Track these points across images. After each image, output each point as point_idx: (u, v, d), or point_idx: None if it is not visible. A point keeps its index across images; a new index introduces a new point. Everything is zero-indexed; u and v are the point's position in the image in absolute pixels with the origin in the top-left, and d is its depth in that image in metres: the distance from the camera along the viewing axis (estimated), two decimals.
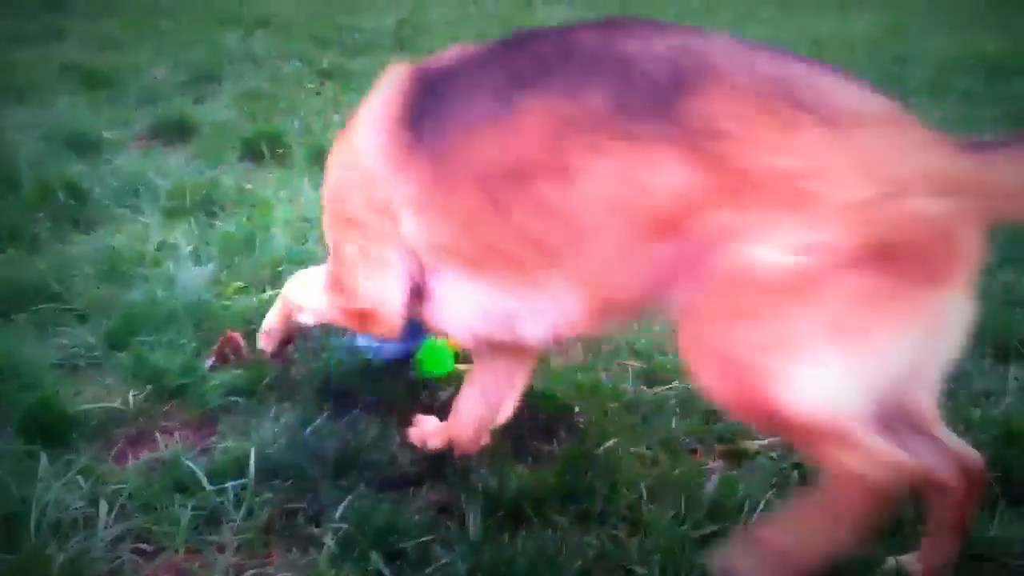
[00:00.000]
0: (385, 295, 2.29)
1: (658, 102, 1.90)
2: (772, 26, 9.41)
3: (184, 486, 2.37)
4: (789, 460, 2.62)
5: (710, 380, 1.94)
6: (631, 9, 9.37)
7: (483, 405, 2.55)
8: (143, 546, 2.22)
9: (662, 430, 2.72)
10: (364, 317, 2.37)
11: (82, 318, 3.14)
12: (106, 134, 4.76)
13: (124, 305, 3.16)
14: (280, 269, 3.48)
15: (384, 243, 2.25)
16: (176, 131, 5.06)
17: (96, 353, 2.93)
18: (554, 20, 8.76)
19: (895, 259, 1.79)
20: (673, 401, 2.86)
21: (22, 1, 7.75)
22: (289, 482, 2.40)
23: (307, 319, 2.62)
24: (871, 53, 8.48)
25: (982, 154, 1.84)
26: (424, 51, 7.04)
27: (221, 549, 2.21)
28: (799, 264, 1.81)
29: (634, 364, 3.05)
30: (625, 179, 1.92)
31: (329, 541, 2.21)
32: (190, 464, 2.42)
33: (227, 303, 3.25)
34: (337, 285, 2.41)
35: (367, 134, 2.25)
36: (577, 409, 2.76)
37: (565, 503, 2.36)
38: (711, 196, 1.85)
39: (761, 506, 2.37)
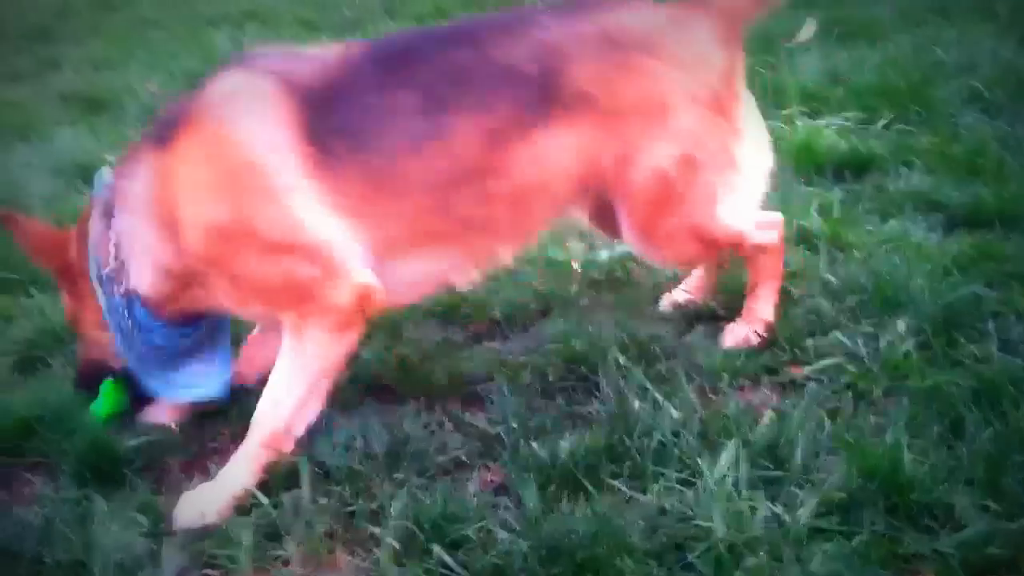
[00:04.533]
0: (359, 266, 2.49)
1: (541, 93, 2.53)
2: None
3: (241, 505, 2.38)
4: (840, 382, 2.59)
5: (665, 248, 2.75)
6: None
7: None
8: (210, 572, 2.23)
9: (706, 371, 2.69)
10: (361, 299, 2.47)
11: None
12: (110, 158, 4.75)
13: None
14: None
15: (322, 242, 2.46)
16: None
17: None
18: None
19: (719, 103, 2.64)
20: (714, 339, 2.84)
21: (9, 36, 7.74)
22: (343, 485, 2.40)
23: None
24: None
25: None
26: (414, 18, 6.98)
27: (287, 563, 2.22)
28: (685, 148, 2.60)
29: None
30: (542, 159, 2.55)
31: (390, 539, 2.20)
32: None
33: None
34: (299, 298, 2.46)
35: (268, 157, 2.43)
36: (614, 363, 2.73)
37: (617, 463, 2.35)
38: (603, 140, 2.57)
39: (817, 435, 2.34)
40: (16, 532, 2.34)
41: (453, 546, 2.17)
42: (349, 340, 2.53)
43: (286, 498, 2.35)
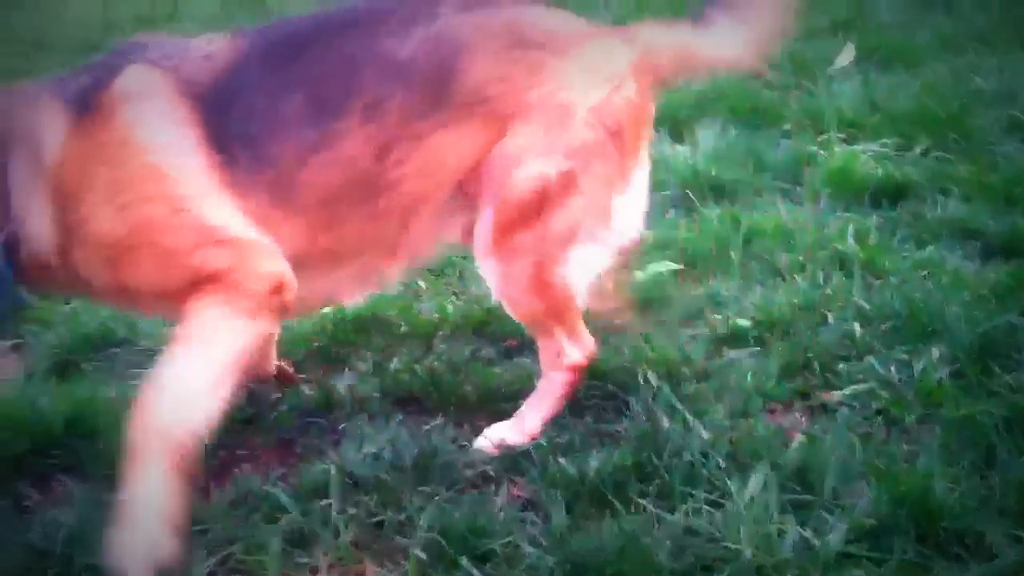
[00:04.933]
0: (276, 255, 2.32)
1: (435, 93, 2.34)
2: None
3: (270, 513, 2.38)
4: (872, 408, 2.58)
5: (510, 272, 2.45)
6: None
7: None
8: None
9: (737, 393, 2.68)
10: (276, 288, 2.29)
11: (154, 356, 3.16)
12: None
13: None
14: None
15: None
16: None
17: None
18: None
19: (619, 139, 2.41)
20: (746, 362, 2.83)
21: (56, 49, 7.83)
22: (372, 496, 2.40)
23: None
24: None
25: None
26: None
27: (314, 571, 2.22)
28: (569, 165, 2.37)
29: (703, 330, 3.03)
30: (430, 169, 2.38)
31: (417, 550, 2.20)
32: (272, 491, 2.43)
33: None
34: (206, 283, 2.25)
35: (173, 161, 2.27)
36: (644, 381, 2.72)
37: (646, 482, 2.34)
38: (493, 141, 2.37)
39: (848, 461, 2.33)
40: (48, 532, 2.35)
41: (480, 559, 2.17)
42: (262, 328, 2.32)
43: (314, 507, 2.36)
